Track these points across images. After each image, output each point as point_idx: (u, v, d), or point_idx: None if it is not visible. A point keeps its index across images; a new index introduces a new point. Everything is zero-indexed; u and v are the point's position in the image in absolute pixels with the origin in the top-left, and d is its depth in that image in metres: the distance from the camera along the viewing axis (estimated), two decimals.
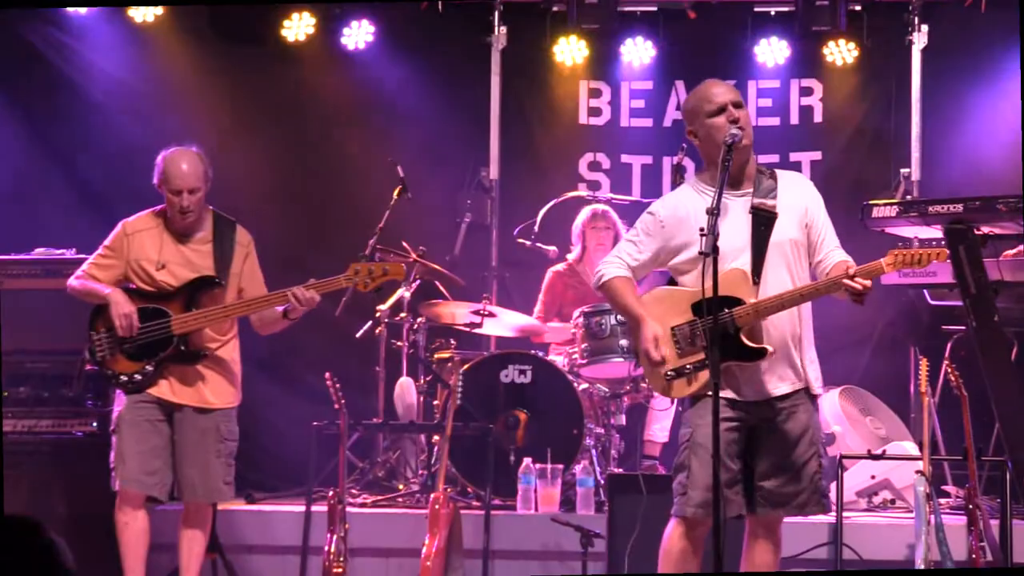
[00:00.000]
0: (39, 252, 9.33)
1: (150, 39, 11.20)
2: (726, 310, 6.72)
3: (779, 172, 7.14)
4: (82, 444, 8.82)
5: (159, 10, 11.08)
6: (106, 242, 8.28)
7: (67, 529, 8.33)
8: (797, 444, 6.96)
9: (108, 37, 11.12)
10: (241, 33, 11.42)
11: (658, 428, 10.10)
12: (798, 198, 7.08)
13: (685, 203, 7.01)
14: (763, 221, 6.90)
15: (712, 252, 6.39)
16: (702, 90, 7.07)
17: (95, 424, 8.81)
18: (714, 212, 6.50)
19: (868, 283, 6.77)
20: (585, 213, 10.56)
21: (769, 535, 7.07)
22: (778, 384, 6.90)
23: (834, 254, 7.05)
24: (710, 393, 6.56)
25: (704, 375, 6.74)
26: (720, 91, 7.00)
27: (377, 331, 10.40)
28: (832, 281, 6.80)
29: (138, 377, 8.05)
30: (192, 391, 8.13)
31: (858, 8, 11.76)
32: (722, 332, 6.62)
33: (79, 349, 8.65)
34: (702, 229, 6.46)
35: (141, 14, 11.02)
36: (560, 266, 10.73)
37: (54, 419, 9.04)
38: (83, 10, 10.92)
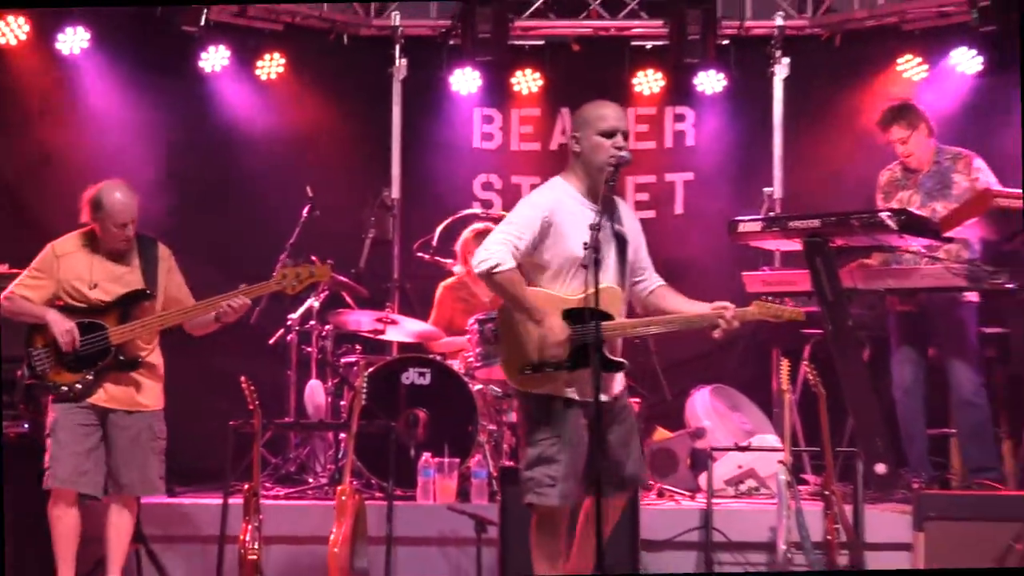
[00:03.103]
0: None
1: (77, 69, 11.12)
2: (596, 323, 6.79)
3: (616, 198, 7.28)
4: (14, 445, 8.66)
5: (85, 42, 11.00)
6: (34, 264, 8.27)
7: (4, 524, 8.32)
8: (633, 432, 7.21)
9: (37, 63, 11.05)
10: (160, 64, 11.36)
11: None
12: (634, 224, 7.27)
13: (564, 200, 7.05)
14: (621, 243, 7.04)
15: (595, 265, 6.56)
16: (600, 107, 7.21)
17: (27, 426, 8.72)
18: (596, 228, 6.64)
19: (737, 325, 7.00)
20: (468, 235, 10.58)
21: (621, 503, 7.28)
22: (614, 386, 7.08)
23: (653, 276, 7.30)
24: (569, 395, 6.90)
25: (559, 376, 6.89)
26: (615, 116, 7.13)
27: (288, 338, 10.45)
28: (708, 319, 7.00)
29: (79, 386, 8.07)
30: (126, 395, 8.17)
31: (725, 42, 11.92)
32: (595, 341, 6.75)
33: (10, 358, 8.59)
34: (586, 243, 6.60)
35: (68, 46, 10.97)
36: (451, 280, 10.77)
37: None
38: (15, 40, 10.82)
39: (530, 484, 7.03)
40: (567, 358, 6.89)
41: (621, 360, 7.02)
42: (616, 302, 6.98)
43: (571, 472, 6.91)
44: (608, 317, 6.88)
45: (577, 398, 6.92)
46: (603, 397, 6.89)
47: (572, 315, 6.88)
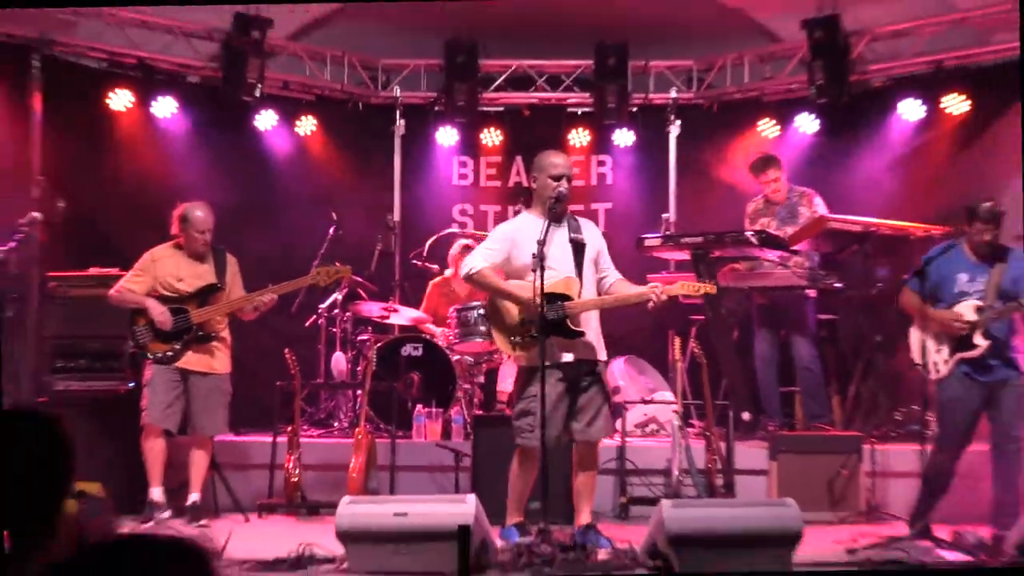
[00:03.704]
0: (93, 270, 9.21)
1: (168, 127, 11.10)
2: (559, 303, 6.96)
3: (579, 217, 7.44)
4: (122, 398, 8.77)
5: (175, 108, 10.98)
6: (136, 266, 8.44)
7: (112, 454, 8.45)
8: (604, 393, 7.26)
9: (139, 124, 11.00)
10: (227, 124, 11.32)
11: (507, 383, 9.97)
12: (594, 235, 7.36)
13: (524, 227, 7.24)
14: (579, 248, 7.16)
15: (540, 269, 6.73)
16: (552, 156, 7.36)
17: (131, 384, 8.77)
18: (541, 243, 6.82)
19: (666, 298, 7.07)
20: (456, 247, 10.53)
21: (590, 453, 7.34)
22: (587, 352, 7.15)
23: (613, 273, 7.36)
24: (553, 361, 6.93)
25: (535, 348, 6.91)
26: (563, 165, 7.29)
27: (319, 322, 10.49)
28: (644, 295, 7.10)
29: (169, 354, 8.24)
30: (203, 361, 8.32)
31: (634, 109, 11.90)
32: (556, 318, 6.93)
33: (118, 335, 8.65)
34: (534, 254, 6.76)
35: (161, 111, 10.94)
36: (438, 279, 10.76)
37: (104, 382, 9.01)
38: (121, 108, 10.80)
39: (518, 430, 7.12)
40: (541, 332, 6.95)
41: (580, 330, 7.06)
42: (573, 287, 7.09)
43: (546, 421, 6.90)
44: (567, 298, 7.01)
45: (550, 363, 6.93)
46: (569, 358, 7.07)
47: (548, 298, 6.93)
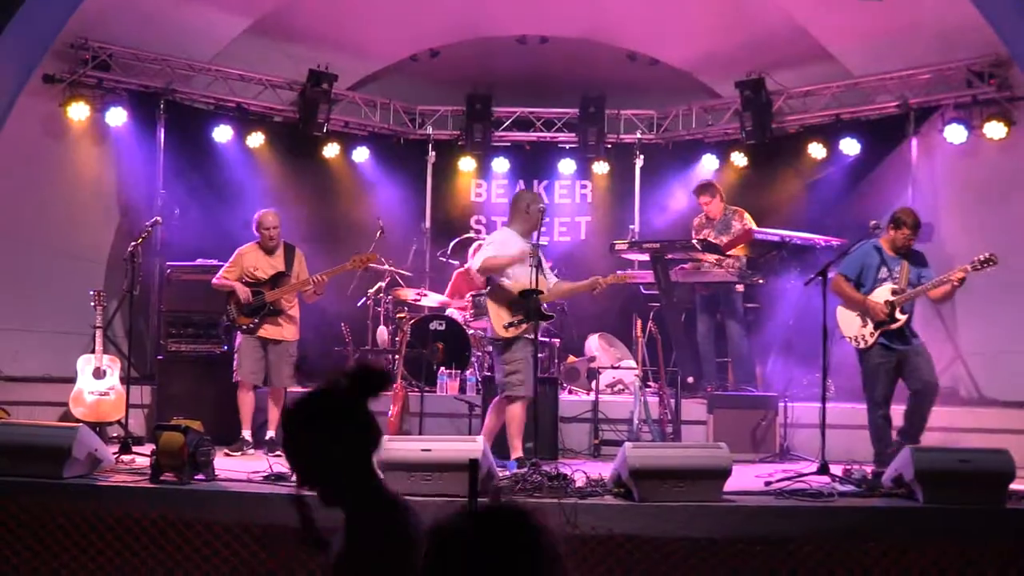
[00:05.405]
0: (199, 261, 9.20)
1: (255, 154, 10.97)
2: (535, 295, 7.05)
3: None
4: (218, 358, 8.76)
5: (263, 140, 10.87)
6: (230, 259, 8.41)
7: (211, 401, 8.46)
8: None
9: (239, 154, 10.86)
10: (302, 153, 11.23)
11: None
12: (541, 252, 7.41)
13: (512, 239, 7.35)
14: (539, 257, 7.18)
15: (536, 271, 6.90)
16: (534, 195, 7.63)
17: (225, 348, 8.76)
18: (535, 255, 7.02)
19: (604, 286, 7.32)
20: (474, 245, 10.58)
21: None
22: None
23: (552, 276, 7.57)
24: (526, 336, 7.08)
25: (522, 327, 7.12)
26: (543, 197, 7.40)
27: (368, 302, 10.34)
28: (591, 284, 7.27)
29: (252, 325, 8.21)
30: (277, 331, 8.26)
31: (609, 146, 11.86)
32: (536, 306, 6.95)
33: (216, 310, 8.62)
34: (530, 261, 7.02)
35: (253, 143, 10.82)
36: (460, 269, 10.65)
37: (205, 345, 9.02)
38: (223, 140, 10.61)
39: (509, 385, 7.20)
40: (524, 317, 7.08)
41: (552, 314, 7.18)
42: (542, 284, 7.18)
43: (529, 378, 7.05)
44: (540, 292, 7.07)
45: (531, 337, 7.09)
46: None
47: (523, 294, 7.09)
